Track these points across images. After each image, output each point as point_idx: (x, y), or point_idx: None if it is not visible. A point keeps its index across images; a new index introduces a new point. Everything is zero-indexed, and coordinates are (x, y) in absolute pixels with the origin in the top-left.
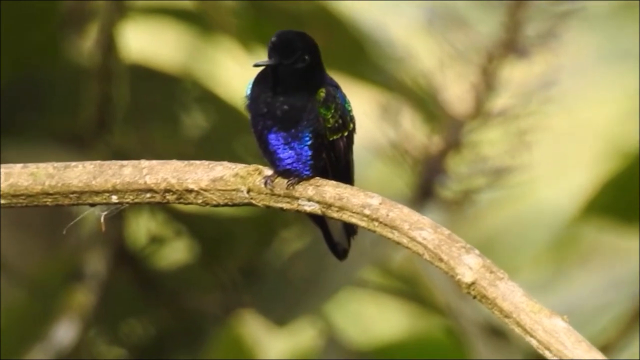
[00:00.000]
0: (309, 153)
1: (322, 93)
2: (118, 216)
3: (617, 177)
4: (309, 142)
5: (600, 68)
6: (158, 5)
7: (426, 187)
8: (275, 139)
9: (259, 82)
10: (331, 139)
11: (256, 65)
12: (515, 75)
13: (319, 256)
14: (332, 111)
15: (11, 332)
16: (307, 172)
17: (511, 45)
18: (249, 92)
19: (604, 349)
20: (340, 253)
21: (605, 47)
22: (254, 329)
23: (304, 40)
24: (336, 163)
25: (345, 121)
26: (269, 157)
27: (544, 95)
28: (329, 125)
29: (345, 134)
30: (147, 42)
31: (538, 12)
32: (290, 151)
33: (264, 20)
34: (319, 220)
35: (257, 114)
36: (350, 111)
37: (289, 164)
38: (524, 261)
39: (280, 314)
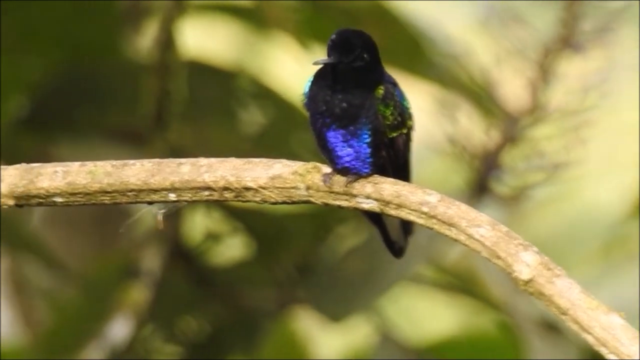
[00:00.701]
0: (368, 151)
1: (381, 90)
2: (174, 214)
3: None
4: (368, 140)
5: None
6: (214, 2)
7: (482, 182)
8: (333, 137)
9: (317, 79)
10: (390, 136)
11: (316, 63)
12: (571, 70)
13: (374, 252)
14: (391, 109)
15: (66, 329)
16: (366, 170)
17: (567, 41)
18: (307, 89)
19: None
20: (397, 251)
21: None
22: (308, 324)
23: (363, 38)
24: (395, 161)
25: (404, 118)
26: (328, 155)
27: (599, 91)
28: (388, 123)
29: (405, 131)
30: (203, 39)
31: (594, 8)
32: (349, 149)
33: (320, 17)
34: (376, 219)
35: (315, 111)
36: (408, 108)
37: (347, 161)
38: (575, 259)
39: (334, 310)
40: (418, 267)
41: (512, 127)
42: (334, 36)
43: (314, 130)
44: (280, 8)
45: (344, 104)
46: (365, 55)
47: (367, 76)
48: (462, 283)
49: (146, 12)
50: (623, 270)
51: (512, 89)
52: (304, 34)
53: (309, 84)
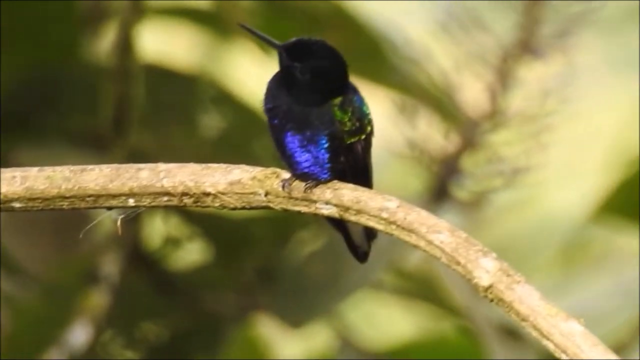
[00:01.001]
0: (326, 156)
1: (339, 97)
2: (133, 218)
3: (629, 179)
4: (326, 146)
5: (612, 72)
6: (174, 5)
7: (442, 187)
8: (291, 142)
9: (274, 83)
10: (349, 142)
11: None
12: (531, 75)
13: (335, 257)
14: (349, 114)
15: (26, 334)
16: (325, 176)
17: (527, 45)
18: (265, 93)
19: (616, 352)
20: (361, 255)
21: (617, 52)
22: (269, 330)
23: (326, 47)
24: (354, 166)
25: (363, 124)
26: (287, 161)
27: (559, 96)
28: (346, 129)
29: (363, 137)
30: (163, 42)
31: (554, 12)
32: (307, 154)
33: (281, 19)
34: (339, 223)
35: (272, 116)
36: (368, 114)
37: (306, 167)
38: (536, 264)
39: (295, 316)
40: (379, 272)
41: (472, 131)
42: (294, 39)
43: (272, 135)
44: (240, 11)
45: (296, 109)
46: (321, 62)
47: (324, 84)
48: (423, 289)
49: (105, 16)
50: (584, 276)
51: (472, 93)
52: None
53: (267, 87)
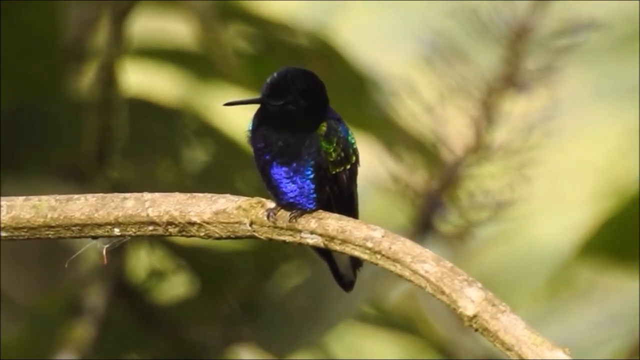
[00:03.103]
0: (312, 187)
1: (324, 127)
2: (118, 250)
3: (614, 216)
4: (311, 177)
5: (598, 104)
6: (158, 45)
7: (426, 221)
8: (277, 173)
9: (259, 115)
10: (334, 172)
11: (228, 104)
12: (515, 109)
13: (318, 289)
14: (334, 145)
15: None
16: (311, 206)
17: (511, 79)
18: (251, 125)
19: None
20: (346, 284)
21: (603, 83)
22: None
23: (305, 81)
24: (340, 196)
25: (348, 154)
26: (273, 191)
27: (544, 129)
28: (331, 159)
29: (348, 167)
30: (146, 78)
31: (538, 46)
32: (292, 185)
33: (267, 56)
34: (325, 253)
35: (257, 148)
36: (353, 144)
37: (292, 197)
38: (521, 296)
39: (279, 347)
40: (362, 304)
41: (456, 165)
42: (273, 75)
43: (257, 167)
44: (225, 51)
45: (281, 142)
46: (301, 101)
47: (307, 117)
48: (406, 321)
49: (89, 52)
50: (569, 307)
51: (456, 127)
52: (251, 73)
53: (252, 119)
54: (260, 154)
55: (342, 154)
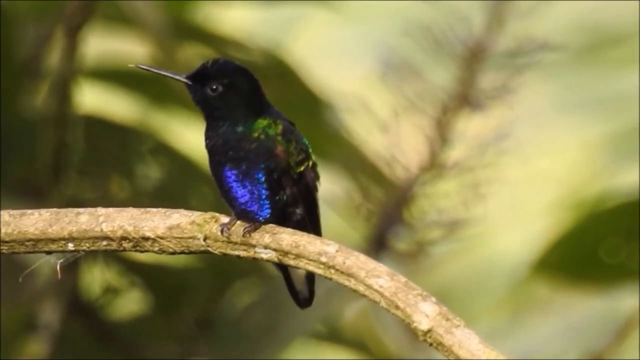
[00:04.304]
0: (264, 192)
1: (278, 126)
2: (72, 267)
3: (569, 233)
4: (262, 179)
5: (556, 117)
6: (113, 66)
7: (381, 238)
8: (229, 177)
9: (209, 123)
10: (298, 171)
11: (140, 66)
12: (470, 127)
13: (273, 307)
14: (294, 143)
15: None
16: (266, 213)
17: (466, 97)
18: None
19: None
20: (302, 302)
21: (561, 96)
22: None
23: (231, 71)
24: (307, 195)
25: (307, 152)
26: (225, 196)
27: (499, 147)
28: (293, 157)
29: (310, 164)
30: (101, 98)
31: (493, 64)
32: (243, 189)
33: None
34: (282, 267)
35: (211, 153)
36: (308, 146)
37: (243, 203)
38: (479, 310)
39: None
40: (316, 322)
41: (410, 183)
42: (202, 62)
43: (212, 172)
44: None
45: (233, 141)
46: (221, 87)
47: (235, 108)
48: (359, 339)
49: (44, 71)
50: (528, 320)
51: (411, 145)
52: None
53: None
54: (215, 158)
55: (303, 154)
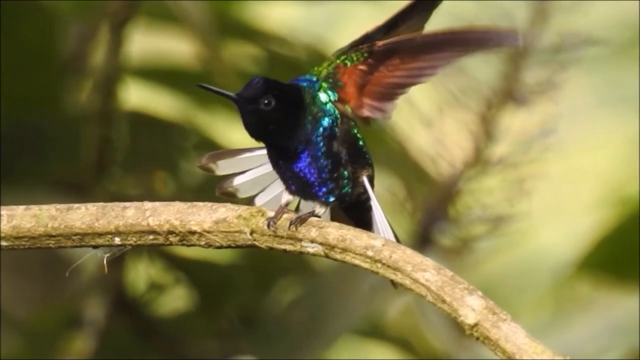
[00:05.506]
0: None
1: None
2: (117, 263)
3: (613, 231)
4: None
5: (598, 112)
6: (158, 65)
7: (425, 234)
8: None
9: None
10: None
11: (202, 87)
12: (515, 123)
13: (317, 304)
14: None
15: None
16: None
17: (510, 93)
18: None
19: None
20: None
21: (603, 91)
22: None
23: (273, 85)
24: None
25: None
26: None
27: (543, 142)
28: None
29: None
30: (146, 96)
31: (537, 60)
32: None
33: (265, 72)
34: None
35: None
36: None
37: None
38: (523, 306)
39: None
40: (361, 319)
41: (455, 179)
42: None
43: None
44: (226, 69)
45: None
46: (272, 101)
47: (286, 118)
48: (404, 336)
49: (88, 69)
50: (572, 317)
51: (456, 141)
52: None
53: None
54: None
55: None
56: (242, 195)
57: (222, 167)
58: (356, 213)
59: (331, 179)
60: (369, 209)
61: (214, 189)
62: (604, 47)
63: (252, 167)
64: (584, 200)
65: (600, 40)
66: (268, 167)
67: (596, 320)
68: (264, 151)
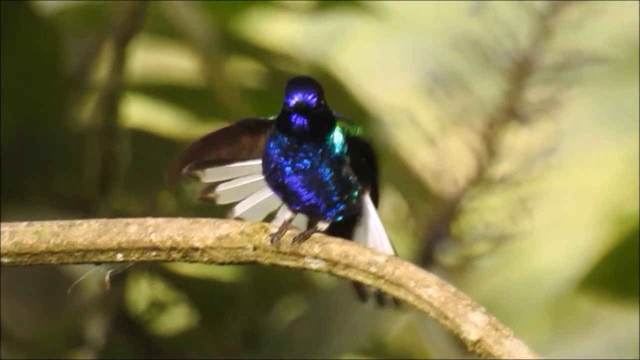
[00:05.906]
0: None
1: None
2: (119, 281)
3: (614, 249)
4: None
5: (599, 130)
6: (160, 81)
7: (428, 252)
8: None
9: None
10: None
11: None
12: (517, 141)
13: (320, 322)
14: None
15: None
16: (335, 198)
17: (513, 111)
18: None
19: None
20: (364, 296)
21: (604, 109)
22: None
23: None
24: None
25: None
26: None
27: (546, 161)
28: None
29: None
30: (148, 112)
31: (540, 78)
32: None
33: (268, 88)
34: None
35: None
36: None
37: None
38: (524, 323)
39: None
40: (364, 337)
41: (458, 197)
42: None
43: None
44: (229, 86)
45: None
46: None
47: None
48: (407, 353)
49: (91, 84)
50: (573, 333)
51: (458, 158)
52: (254, 107)
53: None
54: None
55: None
56: (221, 202)
57: (210, 175)
58: (340, 227)
59: (341, 200)
60: (353, 222)
61: (215, 208)
62: (604, 65)
63: (238, 175)
64: (584, 218)
65: (602, 58)
66: (254, 177)
67: (597, 337)
68: (253, 162)
